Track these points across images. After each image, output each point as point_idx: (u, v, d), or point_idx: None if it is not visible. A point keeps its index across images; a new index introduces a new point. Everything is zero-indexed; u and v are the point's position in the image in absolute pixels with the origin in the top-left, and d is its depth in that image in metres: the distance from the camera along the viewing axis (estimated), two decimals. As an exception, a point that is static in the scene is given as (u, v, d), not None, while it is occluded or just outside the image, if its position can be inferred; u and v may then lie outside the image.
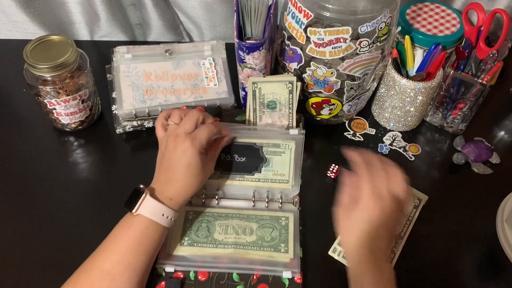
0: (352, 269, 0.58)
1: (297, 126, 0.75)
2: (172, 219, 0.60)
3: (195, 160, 0.60)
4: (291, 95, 0.73)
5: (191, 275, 0.62)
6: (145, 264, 0.57)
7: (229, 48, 0.84)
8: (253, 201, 0.69)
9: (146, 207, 0.58)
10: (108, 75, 0.85)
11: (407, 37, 0.79)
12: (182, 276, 0.62)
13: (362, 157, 0.61)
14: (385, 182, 0.59)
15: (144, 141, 0.82)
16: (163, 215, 0.58)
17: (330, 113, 0.81)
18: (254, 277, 0.63)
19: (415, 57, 0.79)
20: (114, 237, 0.58)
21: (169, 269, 0.63)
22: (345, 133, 0.84)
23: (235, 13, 0.72)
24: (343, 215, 0.60)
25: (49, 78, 0.72)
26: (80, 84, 0.76)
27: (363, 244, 0.57)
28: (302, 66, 0.74)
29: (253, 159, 0.70)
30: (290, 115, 0.75)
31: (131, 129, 0.81)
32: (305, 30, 0.68)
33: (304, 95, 0.78)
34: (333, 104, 0.78)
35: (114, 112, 0.80)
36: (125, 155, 0.81)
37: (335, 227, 0.61)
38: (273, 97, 0.73)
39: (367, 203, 0.58)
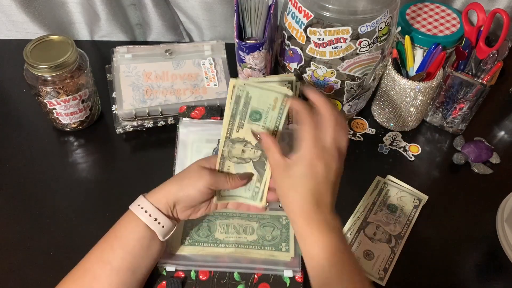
0: (299, 231, 0.53)
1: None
2: (150, 215, 0.56)
3: (189, 166, 0.61)
4: None
5: (192, 274, 0.63)
6: (123, 260, 0.55)
7: (229, 48, 0.84)
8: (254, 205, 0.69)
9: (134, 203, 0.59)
10: (108, 75, 0.85)
11: (407, 37, 0.79)
12: (183, 275, 0.62)
13: (312, 100, 0.55)
14: (331, 132, 0.53)
15: (144, 141, 0.82)
16: (138, 205, 0.57)
17: (330, 113, 0.81)
18: (255, 276, 0.63)
19: (415, 57, 0.79)
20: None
21: (170, 268, 0.63)
22: (345, 133, 0.84)
23: (235, 13, 0.72)
24: (281, 171, 0.54)
25: (49, 78, 0.72)
26: (80, 84, 0.76)
27: (308, 202, 0.52)
28: (302, 66, 0.74)
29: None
30: (290, 115, 0.75)
31: (131, 129, 0.81)
32: (305, 30, 0.68)
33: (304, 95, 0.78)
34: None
35: (114, 112, 0.80)
36: (125, 155, 0.81)
37: (273, 185, 0.57)
38: None
39: (309, 156, 0.52)
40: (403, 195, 0.72)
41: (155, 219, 0.57)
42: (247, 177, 0.61)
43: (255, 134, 0.59)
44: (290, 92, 0.56)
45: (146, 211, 0.57)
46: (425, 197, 0.75)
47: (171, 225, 0.58)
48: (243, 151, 0.60)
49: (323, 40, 0.68)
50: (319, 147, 0.53)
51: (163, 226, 0.57)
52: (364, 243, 0.67)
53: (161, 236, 0.57)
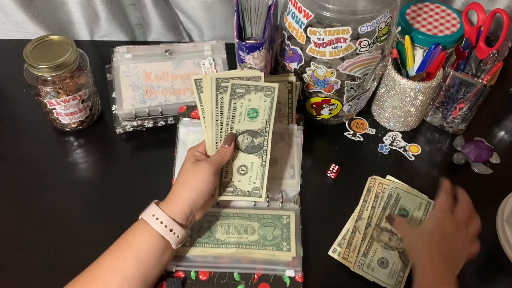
0: (423, 273, 0.58)
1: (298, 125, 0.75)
2: (166, 226, 0.57)
3: (184, 159, 0.62)
4: (290, 94, 0.73)
5: (192, 274, 0.63)
6: (135, 269, 0.56)
7: (229, 48, 0.84)
8: (254, 200, 0.69)
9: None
10: (108, 75, 0.85)
11: (407, 37, 0.79)
12: (183, 275, 0.62)
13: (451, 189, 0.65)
14: (461, 212, 0.63)
15: (144, 141, 0.82)
16: (153, 215, 0.57)
17: (330, 113, 0.81)
18: (255, 276, 0.63)
19: (415, 57, 0.79)
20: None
21: (170, 268, 0.63)
22: (345, 133, 0.84)
23: (235, 13, 0.72)
24: (408, 227, 0.65)
25: (49, 78, 0.72)
26: (80, 84, 0.76)
27: (432, 250, 0.58)
28: (302, 66, 0.74)
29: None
30: (290, 115, 0.75)
31: (131, 129, 0.81)
32: (305, 30, 0.68)
33: (304, 95, 0.78)
34: (333, 104, 0.78)
35: (114, 112, 0.80)
36: (125, 155, 0.81)
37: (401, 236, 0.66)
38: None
39: (437, 219, 0.61)
40: (414, 200, 0.74)
41: (171, 230, 0.57)
42: (231, 140, 0.63)
43: (391, 219, 0.69)
44: (292, 77, 0.74)
45: (161, 222, 0.57)
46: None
47: (185, 234, 0.59)
48: (389, 239, 0.68)
49: (323, 40, 0.68)
50: (449, 218, 0.62)
51: (178, 236, 0.58)
52: (380, 251, 0.68)
53: (175, 245, 0.58)
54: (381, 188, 0.74)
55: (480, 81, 0.76)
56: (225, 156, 0.62)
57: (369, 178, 0.76)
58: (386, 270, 0.65)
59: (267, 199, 0.69)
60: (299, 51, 0.72)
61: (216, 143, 0.64)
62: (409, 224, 0.68)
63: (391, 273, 0.65)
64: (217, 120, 0.65)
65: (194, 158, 0.61)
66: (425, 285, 0.56)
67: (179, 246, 0.59)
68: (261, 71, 0.75)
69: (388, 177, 0.77)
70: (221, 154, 0.62)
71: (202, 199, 0.59)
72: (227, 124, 0.64)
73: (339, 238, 0.69)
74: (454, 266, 0.58)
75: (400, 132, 0.85)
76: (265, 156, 0.64)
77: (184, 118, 0.76)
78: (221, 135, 0.64)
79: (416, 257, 0.60)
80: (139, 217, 0.59)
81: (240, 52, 0.72)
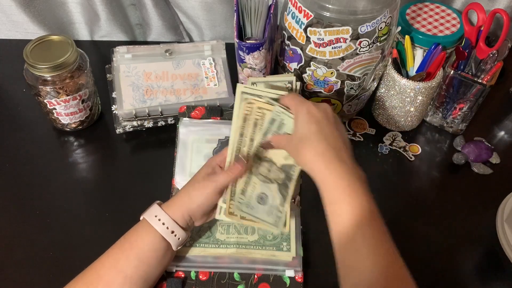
0: (321, 176, 0.52)
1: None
2: (168, 228, 0.57)
3: (200, 169, 0.62)
4: None
5: (192, 274, 0.63)
6: (137, 269, 0.56)
7: (229, 48, 0.84)
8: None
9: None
10: (108, 75, 0.85)
11: (407, 37, 0.79)
12: (183, 275, 0.62)
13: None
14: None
15: (144, 141, 0.82)
16: (155, 216, 0.58)
17: (330, 113, 0.81)
18: (255, 276, 0.63)
19: (415, 57, 0.79)
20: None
21: (170, 268, 0.63)
22: (345, 133, 0.84)
23: (235, 13, 0.72)
24: (290, 140, 0.56)
25: (49, 78, 0.72)
26: (80, 84, 0.76)
27: (321, 147, 0.52)
28: (302, 66, 0.74)
29: None
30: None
31: (131, 129, 0.81)
32: (305, 30, 0.68)
33: (304, 95, 0.79)
34: (333, 104, 0.78)
35: (114, 112, 0.80)
36: (125, 155, 0.81)
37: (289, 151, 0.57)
38: None
39: (302, 110, 0.55)
40: (274, 86, 0.63)
41: (172, 232, 0.57)
42: (241, 160, 0.60)
43: (266, 144, 0.61)
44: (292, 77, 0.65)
45: (163, 223, 0.57)
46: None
47: (186, 237, 0.59)
48: (268, 171, 0.61)
49: (323, 40, 0.68)
50: (309, 103, 0.56)
51: (178, 238, 0.58)
52: (259, 185, 0.61)
53: (175, 246, 0.58)
54: (261, 113, 0.61)
55: (480, 81, 0.76)
56: (231, 177, 0.59)
57: (244, 104, 0.61)
58: (265, 207, 0.60)
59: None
60: (299, 51, 0.72)
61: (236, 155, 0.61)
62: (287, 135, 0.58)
63: (271, 209, 0.60)
64: (241, 134, 0.61)
65: (208, 169, 0.61)
66: (330, 189, 0.51)
67: (179, 248, 0.60)
68: (261, 71, 0.75)
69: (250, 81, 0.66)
70: (229, 174, 0.59)
71: (200, 211, 0.59)
72: (247, 137, 0.61)
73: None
74: (344, 146, 0.54)
75: (400, 132, 0.85)
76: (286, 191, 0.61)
77: (184, 118, 0.76)
78: (239, 149, 0.61)
79: (308, 165, 0.54)
80: (141, 217, 0.59)
81: (240, 52, 0.72)
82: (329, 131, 0.54)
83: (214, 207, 0.61)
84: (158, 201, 0.60)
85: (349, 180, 0.51)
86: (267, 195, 0.61)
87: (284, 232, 0.63)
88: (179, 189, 0.68)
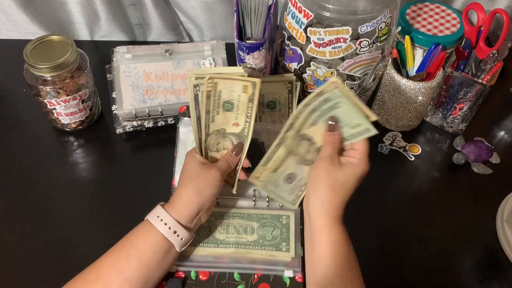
0: (317, 225, 0.54)
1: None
2: (170, 228, 0.57)
3: (187, 162, 0.61)
4: (290, 94, 0.73)
5: (192, 274, 0.62)
6: (137, 270, 0.55)
7: (229, 48, 0.84)
8: (254, 200, 0.69)
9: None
10: (108, 75, 0.85)
11: (407, 37, 0.79)
12: (183, 275, 0.62)
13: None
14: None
15: (144, 141, 0.82)
16: (158, 216, 0.57)
17: (330, 113, 0.81)
18: (255, 276, 0.63)
19: (415, 57, 0.79)
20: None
21: (170, 269, 0.62)
22: (345, 133, 0.84)
23: (235, 13, 0.72)
24: (329, 165, 0.55)
25: (49, 78, 0.72)
26: (80, 84, 0.76)
27: (338, 206, 0.54)
28: (302, 66, 0.74)
29: (255, 156, 0.70)
30: (290, 115, 0.75)
31: (131, 129, 0.81)
32: (305, 30, 0.68)
33: (304, 95, 0.78)
34: (333, 104, 0.78)
35: (114, 112, 0.80)
36: (125, 155, 0.81)
37: (314, 179, 0.56)
38: (272, 97, 0.73)
39: (361, 171, 0.56)
40: (274, 86, 0.63)
41: (175, 232, 0.57)
42: (240, 150, 0.62)
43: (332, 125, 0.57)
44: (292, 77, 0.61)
45: (165, 224, 0.57)
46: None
47: (189, 237, 0.59)
48: (308, 151, 0.59)
49: (323, 40, 0.68)
50: (368, 167, 0.56)
51: (181, 239, 0.58)
52: (293, 166, 0.60)
53: (179, 247, 0.58)
54: (212, 84, 0.57)
55: (480, 81, 0.76)
56: (232, 165, 0.63)
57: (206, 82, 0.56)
58: (290, 186, 0.60)
59: (267, 199, 0.69)
60: (299, 51, 0.72)
61: (199, 138, 0.62)
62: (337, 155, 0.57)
63: (294, 189, 0.60)
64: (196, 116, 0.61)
65: (197, 161, 0.61)
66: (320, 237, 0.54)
67: (183, 249, 0.59)
68: (261, 71, 0.75)
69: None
70: (229, 162, 0.62)
71: (210, 201, 0.60)
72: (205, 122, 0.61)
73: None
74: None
75: (400, 132, 0.85)
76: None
77: (184, 118, 0.76)
78: (201, 131, 0.62)
79: (316, 205, 0.55)
80: (145, 219, 0.59)
81: (240, 52, 0.72)
82: (353, 193, 0.56)
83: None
84: (161, 202, 0.60)
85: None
86: (296, 175, 0.60)
87: (292, 208, 0.65)
88: None
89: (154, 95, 0.80)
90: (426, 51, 0.77)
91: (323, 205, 0.54)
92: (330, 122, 0.57)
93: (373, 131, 0.55)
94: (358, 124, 0.56)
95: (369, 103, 0.86)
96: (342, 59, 0.70)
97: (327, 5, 0.65)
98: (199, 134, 0.62)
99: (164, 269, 0.59)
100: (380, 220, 0.74)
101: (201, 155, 0.63)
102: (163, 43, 0.87)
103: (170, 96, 0.81)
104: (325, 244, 0.53)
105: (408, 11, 0.87)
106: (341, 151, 0.58)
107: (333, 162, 0.56)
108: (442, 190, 0.78)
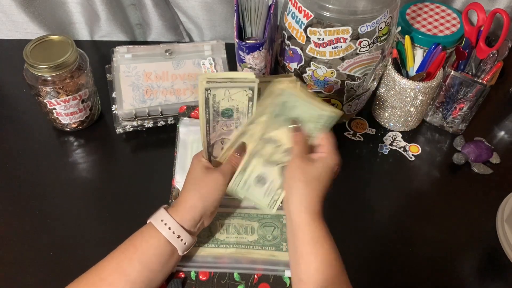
0: (299, 223, 0.54)
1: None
2: (174, 232, 0.57)
3: (193, 166, 0.61)
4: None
5: (192, 274, 0.62)
6: (140, 273, 0.55)
7: (229, 48, 0.84)
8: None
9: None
10: (108, 75, 0.85)
11: (407, 37, 0.79)
12: (183, 276, 0.62)
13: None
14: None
15: (144, 141, 0.82)
16: (161, 220, 0.57)
17: (330, 113, 0.81)
18: (255, 276, 0.63)
19: (415, 57, 0.79)
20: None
21: (170, 269, 0.63)
22: (345, 133, 0.84)
23: (235, 13, 0.72)
24: (301, 162, 0.56)
25: (49, 78, 0.72)
26: (80, 84, 0.76)
27: (317, 201, 0.55)
28: (302, 66, 0.74)
29: None
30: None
31: (131, 129, 0.81)
32: (305, 30, 0.68)
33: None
34: (333, 104, 0.78)
35: (114, 112, 0.80)
36: (125, 155, 0.81)
37: (289, 179, 0.57)
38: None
39: (332, 162, 0.57)
40: (232, 92, 0.58)
41: (178, 236, 0.57)
42: (243, 150, 0.62)
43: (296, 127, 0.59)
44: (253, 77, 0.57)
45: (169, 228, 0.56)
46: (255, 80, 0.58)
47: (192, 242, 0.59)
48: (273, 152, 0.60)
49: (323, 40, 0.68)
50: (338, 158, 0.57)
51: (185, 243, 0.57)
52: (260, 166, 0.61)
53: (181, 251, 0.58)
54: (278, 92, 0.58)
55: (480, 81, 0.76)
56: (236, 166, 0.62)
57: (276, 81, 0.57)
58: (263, 189, 0.61)
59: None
60: (299, 51, 0.72)
61: (208, 141, 0.61)
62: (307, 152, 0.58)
63: (268, 191, 0.61)
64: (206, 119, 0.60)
65: (202, 165, 0.61)
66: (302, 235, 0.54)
67: (185, 252, 0.59)
68: (261, 71, 0.75)
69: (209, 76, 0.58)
70: (233, 163, 0.61)
71: (214, 206, 0.60)
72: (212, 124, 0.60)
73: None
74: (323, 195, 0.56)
75: (400, 132, 0.85)
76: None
77: (184, 118, 0.76)
78: (209, 134, 0.61)
79: (294, 203, 0.55)
80: (147, 221, 0.58)
81: (240, 52, 0.72)
82: (328, 186, 0.57)
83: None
84: (165, 205, 0.60)
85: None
86: (267, 177, 0.61)
87: (271, 212, 0.64)
88: (179, 189, 0.67)
89: (154, 95, 0.80)
90: (426, 51, 0.77)
91: (301, 202, 0.55)
92: (290, 126, 0.59)
93: (337, 113, 0.58)
94: (319, 115, 0.58)
95: (369, 103, 0.86)
96: (342, 59, 0.70)
97: (327, 5, 0.65)
98: (207, 138, 0.61)
99: (167, 272, 0.58)
100: (380, 220, 0.74)
101: (207, 159, 0.63)
102: (163, 43, 0.87)
103: (170, 96, 0.81)
104: (307, 242, 0.53)
105: (408, 11, 0.87)
106: (311, 149, 0.60)
107: (303, 159, 0.57)
108: (442, 190, 0.78)
